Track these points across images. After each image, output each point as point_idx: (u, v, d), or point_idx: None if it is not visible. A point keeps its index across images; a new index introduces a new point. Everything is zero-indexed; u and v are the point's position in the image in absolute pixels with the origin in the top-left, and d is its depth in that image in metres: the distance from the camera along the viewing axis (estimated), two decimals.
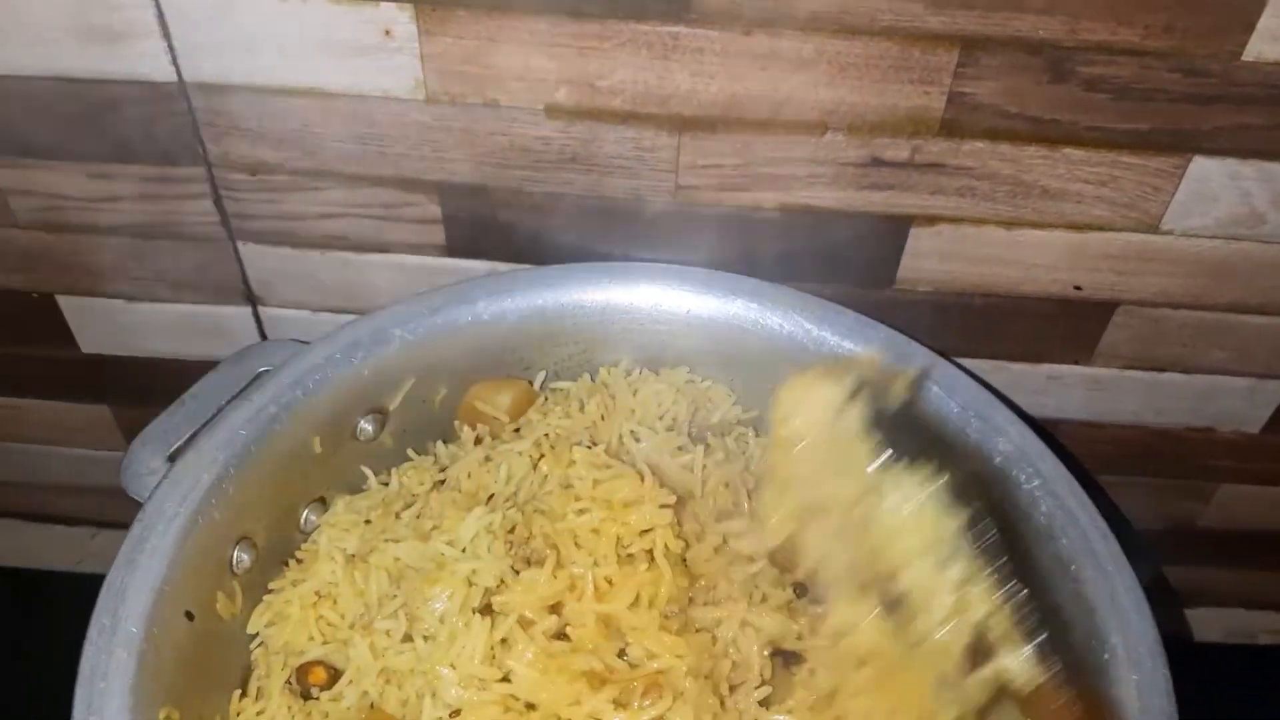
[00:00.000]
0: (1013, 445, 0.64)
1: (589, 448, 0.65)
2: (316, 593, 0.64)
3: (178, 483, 0.60)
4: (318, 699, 0.61)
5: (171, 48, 0.67)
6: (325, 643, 0.62)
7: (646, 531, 0.61)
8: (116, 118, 0.70)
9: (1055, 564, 0.60)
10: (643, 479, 0.61)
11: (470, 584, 0.59)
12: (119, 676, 0.53)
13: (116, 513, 1.05)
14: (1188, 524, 0.98)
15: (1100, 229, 0.72)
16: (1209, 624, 1.08)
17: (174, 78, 0.68)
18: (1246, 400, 0.86)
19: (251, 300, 0.82)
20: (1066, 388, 0.84)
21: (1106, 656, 0.56)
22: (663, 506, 0.60)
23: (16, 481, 1.05)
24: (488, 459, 0.68)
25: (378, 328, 0.69)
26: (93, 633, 0.54)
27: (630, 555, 0.60)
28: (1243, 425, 0.88)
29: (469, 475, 0.68)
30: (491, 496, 0.66)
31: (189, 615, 0.58)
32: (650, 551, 0.60)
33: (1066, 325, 0.79)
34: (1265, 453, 0.90)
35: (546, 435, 0.69)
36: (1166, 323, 0.79)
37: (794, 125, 0.68)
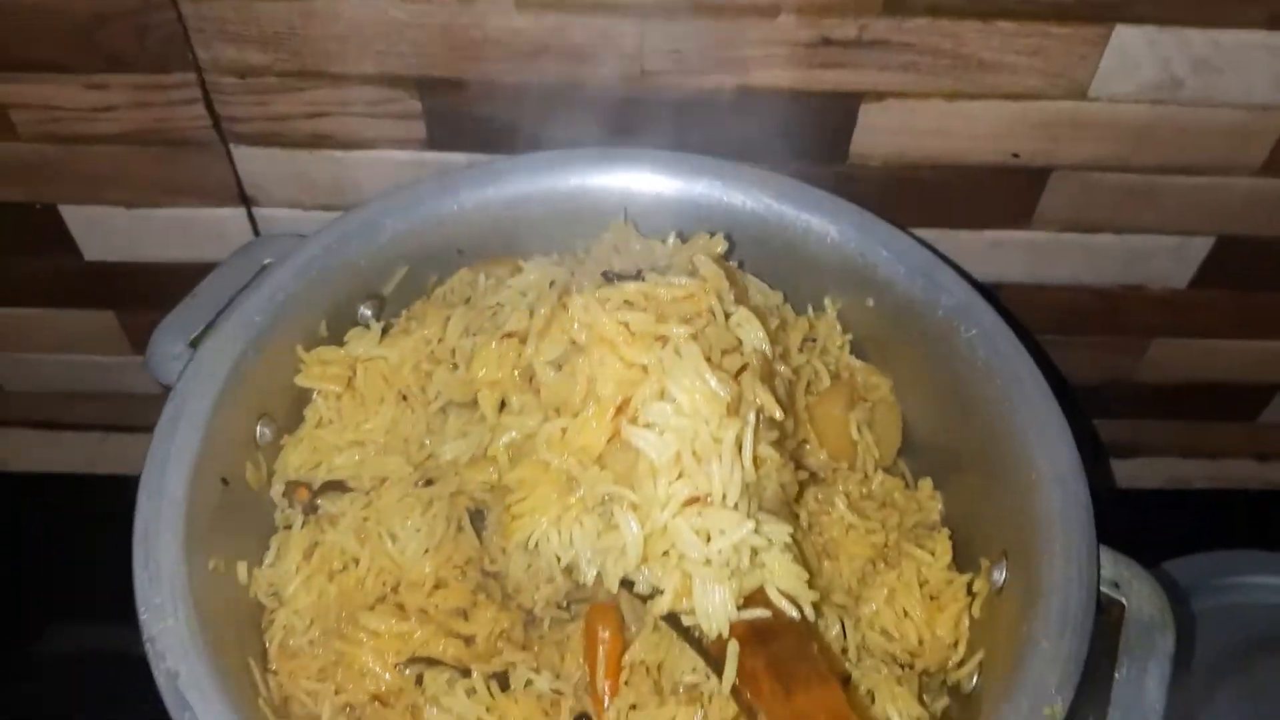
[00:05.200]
0: (955, 300, 0.70)
1: None
2: None
3: (203, 363, 0.65)
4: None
5: None
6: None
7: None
8: (110, 28, 0.74)
9: (990, 401, 0.67)
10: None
11: None
12: (170, 532, 0.59)
13: (126, 418, 1.11)
14: (1125, 378, 1.06)
15: (1034, 98, 0.78)
16: (1149, 472, 1.15)
17: None
18: (1174, 258, 0.92)
19: (246, 201, 0.87)
20: (1008, 252, 0.91)
21: (1034, 476, 0.63)
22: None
23: (24, 391, 1.09)
24: None
25: (367, 219, 0.73)
26: (142, 496, 0.60)
27: None
28: (1170, 282, 0.95)
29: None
30: None
31: (224, 481, 0.64)
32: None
33: (1006, 192, 0.86)
34: (1192, 307, 0.97)
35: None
36: (1098, 186, 0.85)
37: (747, 9, 0.72)
